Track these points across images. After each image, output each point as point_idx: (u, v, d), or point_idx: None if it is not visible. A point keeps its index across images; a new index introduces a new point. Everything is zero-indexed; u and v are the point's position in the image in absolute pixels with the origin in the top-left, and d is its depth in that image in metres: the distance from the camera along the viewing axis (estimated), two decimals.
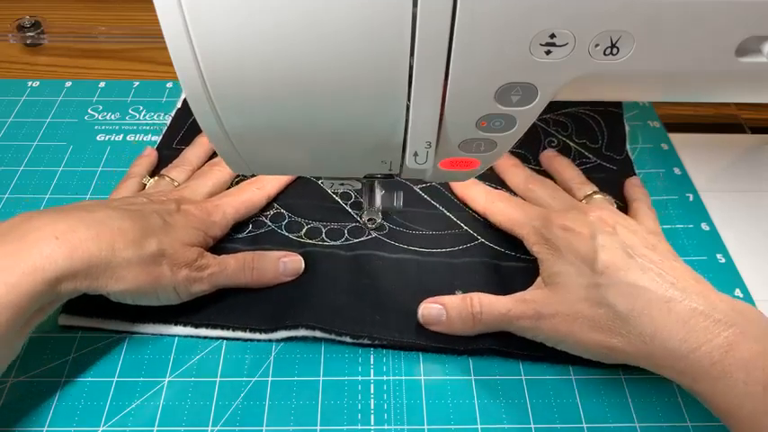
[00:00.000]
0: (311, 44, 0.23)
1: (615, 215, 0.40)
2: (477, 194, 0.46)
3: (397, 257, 0.43)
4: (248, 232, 0.45)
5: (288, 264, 0.41)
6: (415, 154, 0.27)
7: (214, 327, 0.40)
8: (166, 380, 0.38)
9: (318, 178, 0.48)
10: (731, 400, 0.30)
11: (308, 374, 0.38)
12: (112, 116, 0.55)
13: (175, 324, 0.40)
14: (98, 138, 0.53)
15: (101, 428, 0.36)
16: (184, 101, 0.56)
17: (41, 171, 0.50)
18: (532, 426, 0.36)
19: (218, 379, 0.38)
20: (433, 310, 0.39)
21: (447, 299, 0.39)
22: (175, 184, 0.45)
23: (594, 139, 0.53)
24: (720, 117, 0.58)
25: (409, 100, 0.25)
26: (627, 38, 0.23)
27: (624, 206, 0.46)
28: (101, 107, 0.56)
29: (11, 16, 0.64)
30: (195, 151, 0.49)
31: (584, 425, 0.36)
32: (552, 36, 0.23)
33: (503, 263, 0.43)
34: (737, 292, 0.43)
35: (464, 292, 0.40)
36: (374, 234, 0.45)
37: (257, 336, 0.40)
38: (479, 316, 0.38)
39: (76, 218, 0.35)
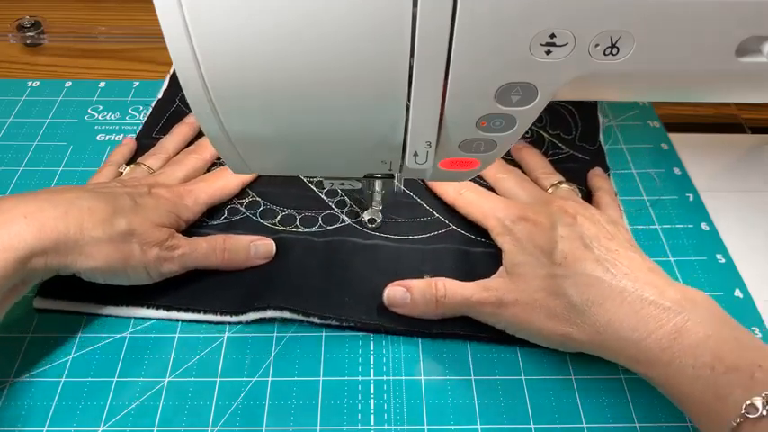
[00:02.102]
0: (311, 44, 0.23)
1: (577, 205, 0.41)
2: (446, 186, 0.47)
3: (369, 243, 0.44)
4: (223, 219, 0.45)
5: (259, 247, 0.42)
6: (415, 154, 0.27)
7: (186, 310, 0.40)
8: (166, 380, 0.38)
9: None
10: (682, 385, 0.31)
11: (307, 374, 0.38)
12: (112, 116, 0.55)
13: (147, 307, 0.40)
14: (98, 138, 0.53)
15: (101, 428, 0.36)
16: (165, 92, 0.57)
17: (41, 171, 0.50)
18: (532, 426, 0.36)
19: (218, 379, 0.38)
20: (397, 292, 0.39)
21: (412, 282, 0.40)
22: (151, 171, 0.46)
23: (568, 131, 0.54)
24: (720, 117, 0.58)
25: (409, 100, 0.25)
26: (627, 38, 0.23)
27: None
28: (101, 107, 0.56)
29: (11, 16, 0.64)
30: (172, 140, 0.50)
31: (584, 425, 0.36)
32: (552, 36, 0.23)
33: (472, 249, 0.44)
34: (737, 292, 0.43)
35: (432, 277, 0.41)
36: (347, 221, 0.46)
37: (227, 318, 0.40)
38: (443, 299, 0.38)
39: (45, 199, 0.35)
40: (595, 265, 0.36)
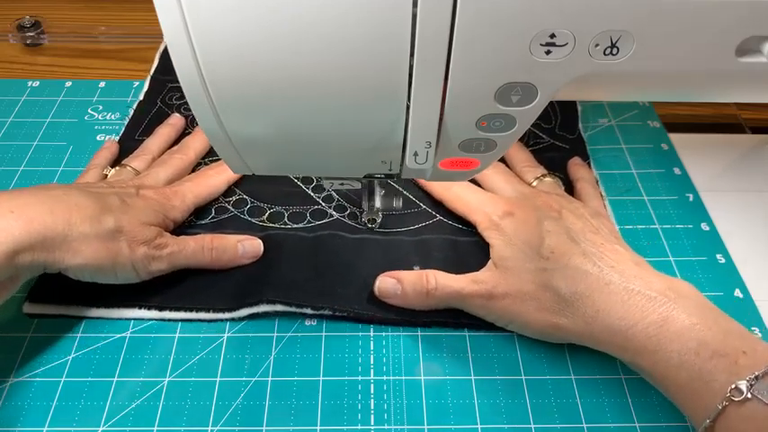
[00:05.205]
0: (311, 44, 0.23)
1: (561, 199, 0.42)
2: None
3: (358, 237, 0.44)
4: (211, 218, 0.46)
5: (247, 246, 0.42)
6: (415, 154, 0.27)
7: (177, 309, 0.40)
8: (166, 380, 0.38)
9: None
10: (668, 371, 0.32)
11: (307, 374, 0.38)
12: (112, 116, 0.55)
13: (139, 307, 0.40)
14: (98, 138, 0.53)
15: (101, 428, 0.36)
16: (146, 93, 0.57)
17: (41, 171, 0.50)
18: (532, 426, 0.36)
19: (218, 379, 0.38)
20: (388, 283, 0.40)
21: (403, 274, 0.40)
22: (136, 173, 0.46)
23: (548, 120, 0.54)
24: (720, 117, 0.58)
25: (409, 100, 0.25)
26: (627, 38, 0.23)
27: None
28: (101, 107, 0.56)
29: (11, 16, 0.64)
30: (156, 141, 0.50)
31: (584, 425, 0.36)
32: (552, 36, 0.23)
33: (460, 239, 0.45)
34: (737, 292, 0.43)
35: (422, 269, 0.41)
36: (335, 215, 0.46)
37: (220, 315, 0.40)
38: (433, 292, 0.39)
39: (33, 194, 0.36)
40: (582, 258, 0.37)
